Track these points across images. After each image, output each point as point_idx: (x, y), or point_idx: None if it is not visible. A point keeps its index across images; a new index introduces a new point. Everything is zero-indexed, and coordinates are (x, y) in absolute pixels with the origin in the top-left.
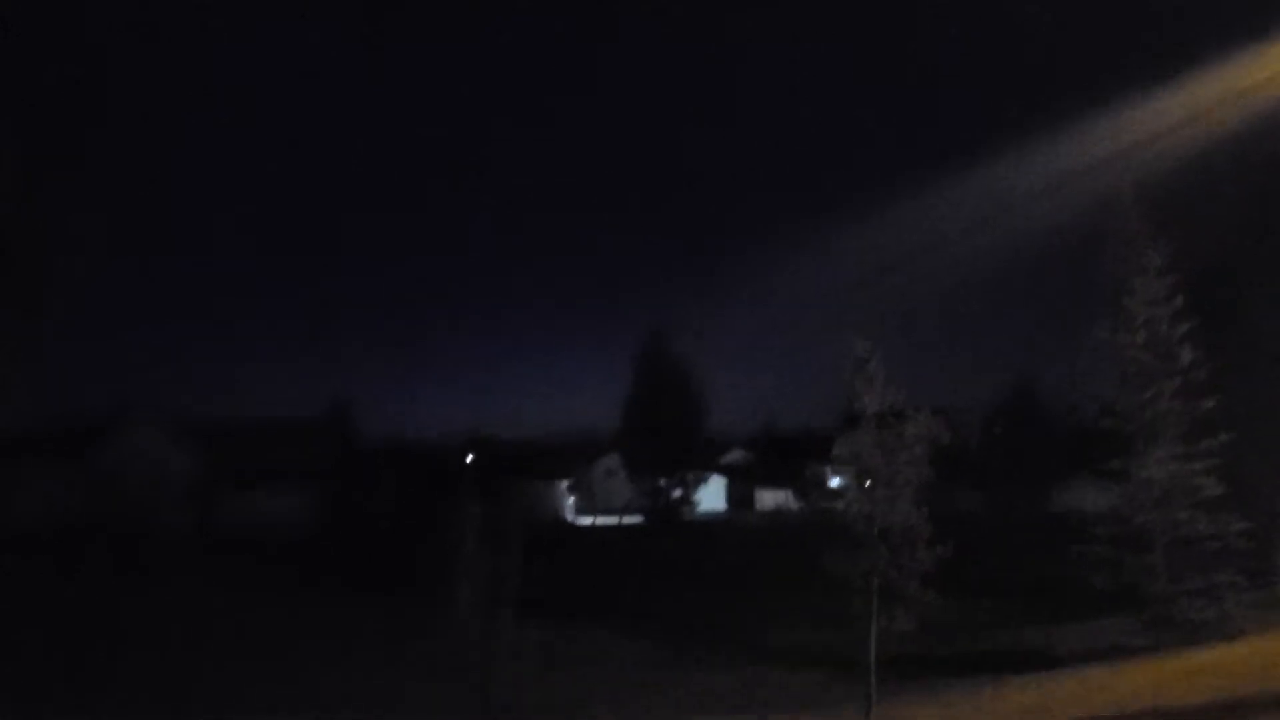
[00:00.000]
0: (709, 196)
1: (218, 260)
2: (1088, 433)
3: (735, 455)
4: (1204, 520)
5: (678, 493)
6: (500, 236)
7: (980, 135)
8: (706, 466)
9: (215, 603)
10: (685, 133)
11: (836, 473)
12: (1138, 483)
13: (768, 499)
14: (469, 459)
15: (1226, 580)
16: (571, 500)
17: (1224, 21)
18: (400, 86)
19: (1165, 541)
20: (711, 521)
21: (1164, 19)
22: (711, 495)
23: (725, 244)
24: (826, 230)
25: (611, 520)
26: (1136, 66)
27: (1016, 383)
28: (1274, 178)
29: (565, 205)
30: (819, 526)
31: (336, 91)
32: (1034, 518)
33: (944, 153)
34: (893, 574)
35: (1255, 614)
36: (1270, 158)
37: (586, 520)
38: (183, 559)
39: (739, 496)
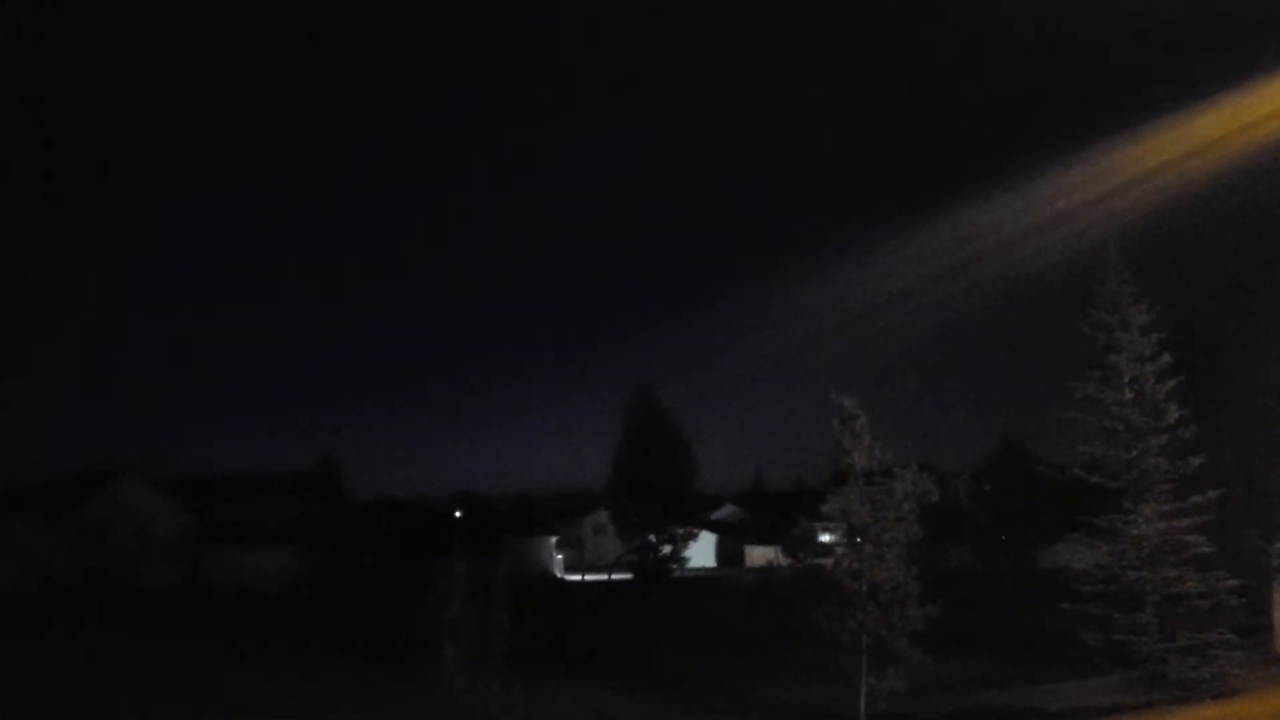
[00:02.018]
0: (698, 252)
1: (207, 316)
2: (1077, 489)
3: (726, 511)
4: (1194, 578)
5: (667, 549)
6: (489, 294)
7: (962, 189)
8: (696, 523)
9: (200, 660)
10: (672, 188)
11: (826, 529)
12: (1127, 540)
13: (758, 555)
14: (457, 515)
15: (1218, 638)
16: (560, 556)
17: (1194, 73)
18: (388, 138)
19: (1156, 599)
20: (701, 578)
21: (1137, 72)
22: (701, 552)
23: (714, 300)
24: (816, 286)
25: (601, 577)
26: (1112, 117)
27: (1005, 439)
28: (1252, 231)
29: (554, 261)
30: (808, 584)
31: (324, 146)
32: (1024, 575)
33: (928, 208)
34: (882, 632)
35: (1247, 672)
36: (1247, 209)
37: (575, 577)
38: (168, 615)
39: (729, 553)
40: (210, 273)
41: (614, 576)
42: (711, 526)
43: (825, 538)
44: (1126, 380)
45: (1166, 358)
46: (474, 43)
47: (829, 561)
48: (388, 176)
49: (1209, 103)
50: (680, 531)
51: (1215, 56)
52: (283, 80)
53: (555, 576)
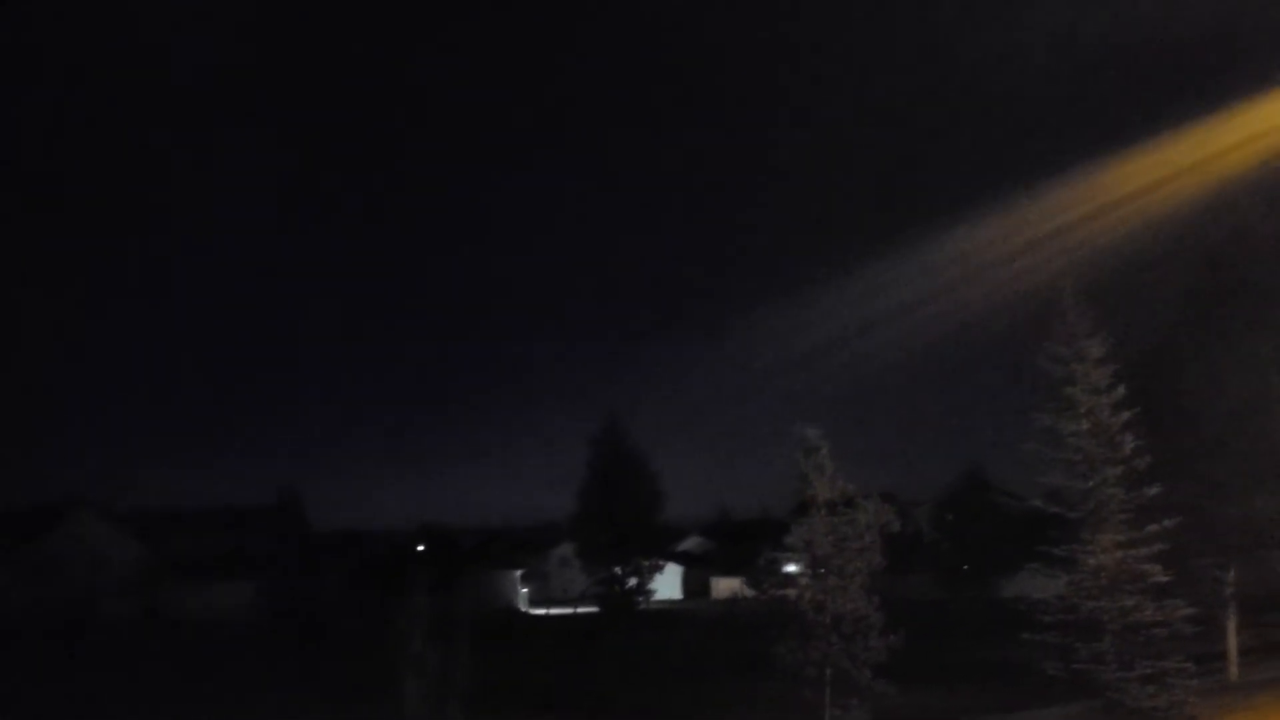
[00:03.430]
0: (663, 285)
1: (167, 348)
2: (1037, 519)
3: (692, 542)
4: (1151, 606)
5: (633, 581)
6: (454, 326)
7: (928, 222)
8: (662, 554)
9: (156, 695)
10: (637, 221)
11: (790, 560)
12: (1085, 569)
13: (724, 587)
14: (420, 548)
15: (1175, 666)
16: (525, 590)
17: (1153, 107)
18: (353, 179)
19: (1114, 628)
20: (667, 610)
21: (1101, 107)
22: (667, 584)
23: (680, 332)
24: (780, 318)
25: (566, 610)
26: (1072, 151)
27: (966, 469)
28: (1206, 266)
29: (519, 295)
30: (773, 615)
31: (288, 187)
32: (986, 604)
33: (888, 241)
34: (845, 663)
35: (1203, 700)
36: (1204, 243)
37: (541, 610)
38: (124, 649)
39: (695, 584)
40: (168, 304)
41: (579, 610)
42: (677, 558)
43: (790, 568)
44: (1083, 411)
45: (1122, 389)
46: (443, 82)
47: (792, 593)
48: (353, 209)
49: (1168, 137)
50: (646, 564)
51: (1178, 88)
52: (255, 118)
53: (520, 610)
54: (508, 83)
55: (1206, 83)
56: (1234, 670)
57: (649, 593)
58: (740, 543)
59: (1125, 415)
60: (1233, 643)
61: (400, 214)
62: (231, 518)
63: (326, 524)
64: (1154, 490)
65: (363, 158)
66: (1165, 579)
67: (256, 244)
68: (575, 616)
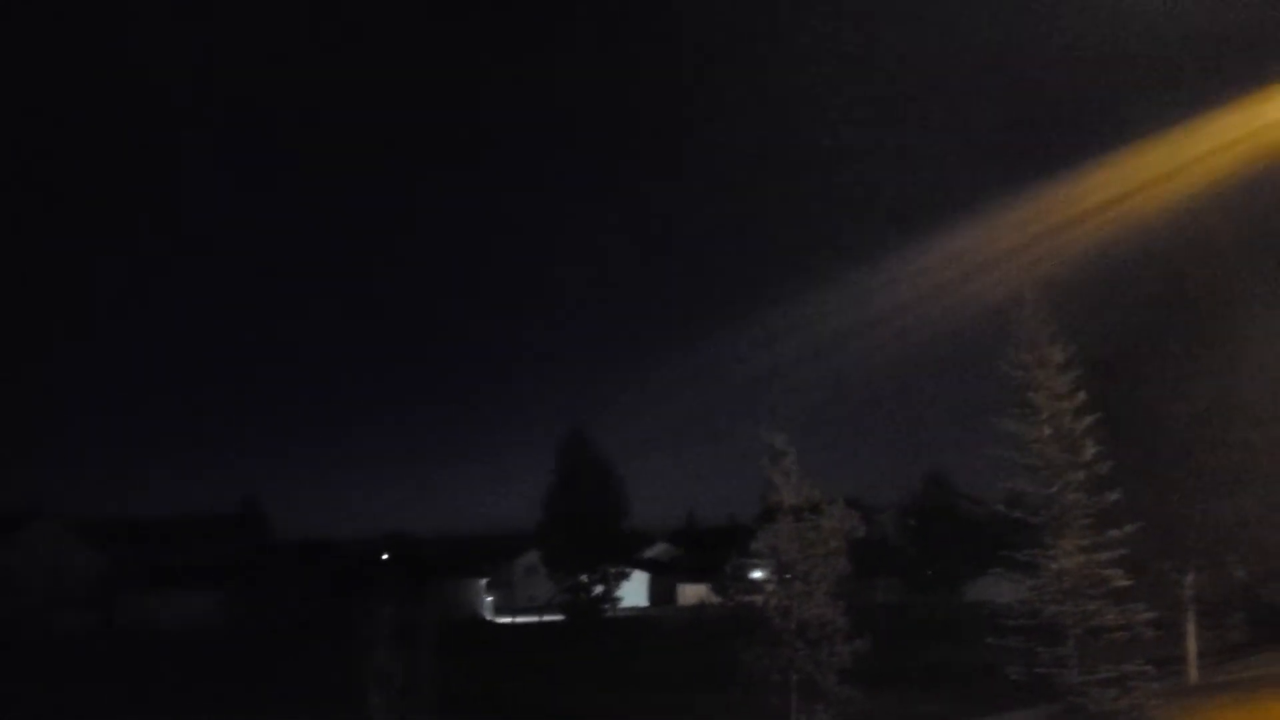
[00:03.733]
0: (629, 291)
1: (129, 354)
2: (1000, 524)
3: (658, 549)
4: (1112, 610)
5: (599, 589)
6: (419, 333)
7: (889, 233)
8: (628, 562)
9: (114, 708)
10: (601, 229)
11: (756, 566)
12: (1048, 574)
13: (690, 594)
14: (385, 557)
15: (1135, 669)
16: (491, 598)
17: (1112, 123)
18: (317, 184)
19: (1076, 632)
20: (634, 618)
21: (1061, 120)
22: (634, 591)
23: (644, 337)
24: (745, 323)
25: (532, 618)
26: (1036, 164)
27: (929, 474)
28: (1168, 274)
29: (482, 299)
30: (740, 621)
31: (254, 183)
32: (950, 609)
33: (856, 248)
34: (811, 669)
35: (1164, 703)
36: (1164, 254)
37: (506, 619)
38: (81, 661)
39: (662, 591)
40: (129, 310)
41: (545, 618)
42: (644, 565)
43: (756, 574)
44: (1045, 417)
45: (1083, 395)
46: (391, 99)
47: (759, 599)
48: (315, 216)
49: (1134, 150)
50: (612, 571)
51: (1142, 101)
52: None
53: (485, 619)
54: (466, 91)
55: (1170, 96)
56: (1193, 673)
57: (615, 600)
58: (707, 549)
59: (1087, 421)
60: (1192, 646)
61: (367, 221)
62: (194, 527)
63: (290, 533)
64: (1115, 495)
65: (318, 161)
66: (1126, 583)
67: (222, 250)
68: (541, 625)
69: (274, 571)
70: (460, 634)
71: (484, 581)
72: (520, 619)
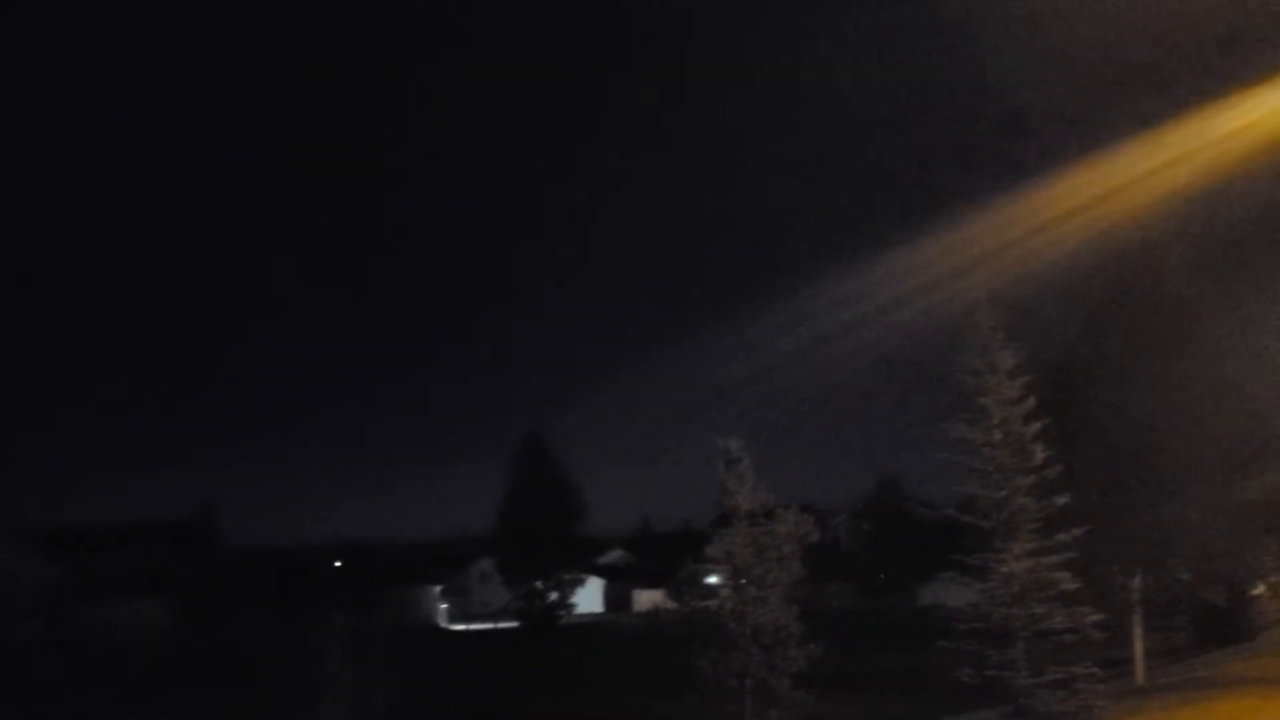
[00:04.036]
0: (585, 297)
1: (76, 359)
2: (952, 529)
3: (613, 555)
4: (1061, 613)
5: (554, 596)
6: (373, 338)
7: (846, 244)
8: (584, 568)
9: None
10: (556, 236)
11: (711, 572)
12: (998, 578)
13: (645, 599)
14: (337, 564)
15: (1083, 672)
16: (445, 606)
17: (1056, 144)
18: (268, 183)
19: (1026, 635)
20: (588, 624)
21: (1007, 141)
22: (589, 597)
23: (599, 344)
24: (699, 331)
25: (486, 625)
26: (987, 183)
27: (882, 478)
28: (1115, 281)
29: (435, 305)
30: (695, 627)
31: (205, 190)
32: (903, 612)
33: (812, 258)
34: (765, 674)
35: (1111, 704)
36: (1108, 265)
37: (460, 626)
38: (25, 672)
39: (617, 597)
40: (78, 315)
41: (500, 625)
42: (599, 571)
43: (711, 580)
44: (995, 422)
45: (1033, 400)
46: (357, 113)
47: (713, 604)
48: (266, 221)
49: (1094, 162)
50: (567, 577)
51: (1102, 113)
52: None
53: (439, 626)
54: (424, 102)
55: (1129, 108)
56: (1140, 674)
57: (570, 606)
58: (662, 555)
59: (1036, 426)
60: (1139, 648)
61: (313, 228)
62: (143, 534)
63: (242, 540)
64: (1063, 500)
65: (276, 165)
66: (1074, 586)
67: (173, 256)
68: (495, 632)
69: (225, 579)
70: (413, 641)
71: (438, 589)
72: (475, 626)
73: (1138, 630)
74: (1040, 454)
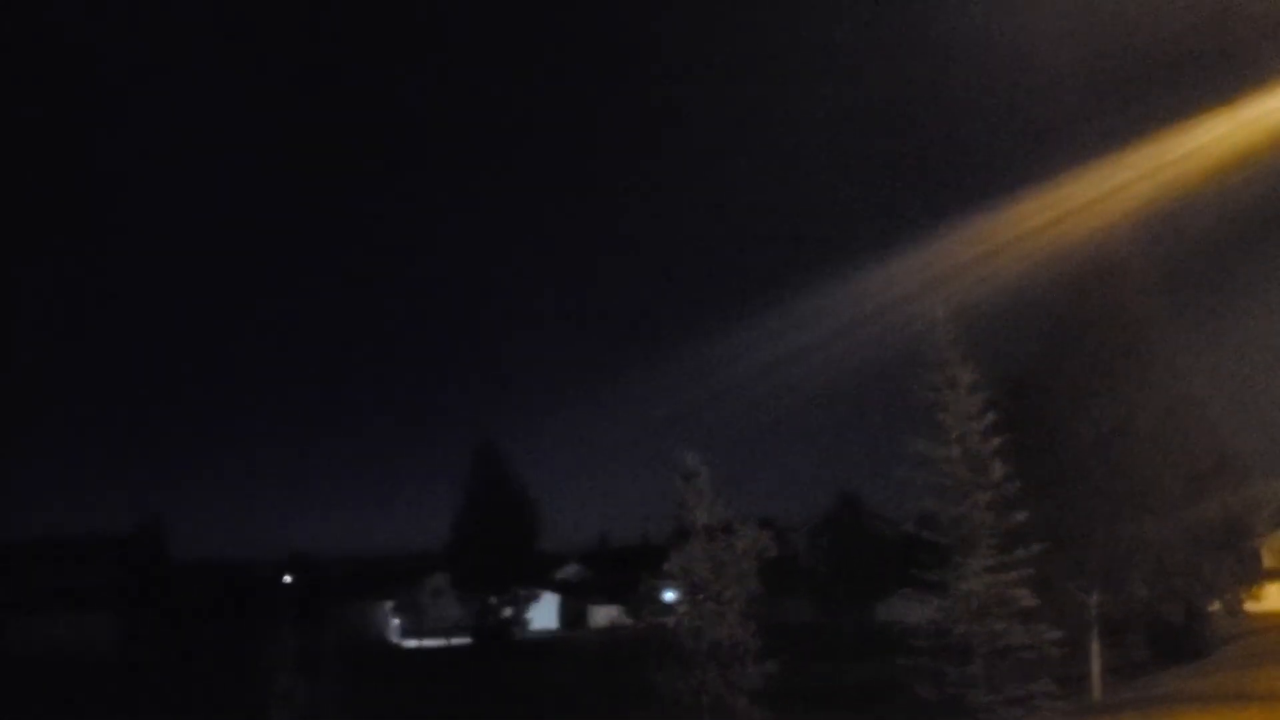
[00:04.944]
0: (541, 310)
1: (21, 370)
2: (909, 544)
3: (569, 570)
4: (1019, 630)
5: (508, 611)
6: (324, 349)
7: (810, 264)
8: (539, 583)
9: None
10: (514, 249)
11: (668, 587)
12: (956, 594)
13: (602, 615)
14: (287, 579)
15: (1042, 689)
16: (397, 621)
17: (1016, 164)
18: (230, 195)
19: (984, 651)
20: (543, 641)
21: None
22: (544, 613)
23: (557, 358)
24: (661, 346)
25: (439, 641)
26: (948, 202)
27: (841, 493)
28: (1074, 297)
29: (391, 320)
30: (652, 643)
31: (163, 200)
32: (862, 628)
33: (777, 276)
34: (722, 690)
35: None
36: (1068, 284)
37: (413, 642)
38: None
39: (572, 613)
40: (22, 325)
41: (453, 641)
42: (555, 586)
43: (669, 595)
44: (954, 437)
45: (991, 416)
46: (326, 113)
47: (670, 620)
48: (223, 232)
49: (1057, 180)
50: (522, 593)
51: (1067, 131)
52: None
53: (391, 643)
54: (390, 104)
55: (1094, 125)
56: (1097, 691)
57: (525, 622)
58: (619, 570)
59: (995, 441)
60: (1096, 664)
61: (264, 237)
62: (87, 548)
63: (189, 554)
64: (1022, 516)
65: (239, 170)
66: (1033, 603)
67: (126, 265)
68: (448, 648)
69: (172, 593)
70: (364, 658)
71: (390, 604)
72: (428, 643)
73: (1095, 647)
74: (999, 469)
